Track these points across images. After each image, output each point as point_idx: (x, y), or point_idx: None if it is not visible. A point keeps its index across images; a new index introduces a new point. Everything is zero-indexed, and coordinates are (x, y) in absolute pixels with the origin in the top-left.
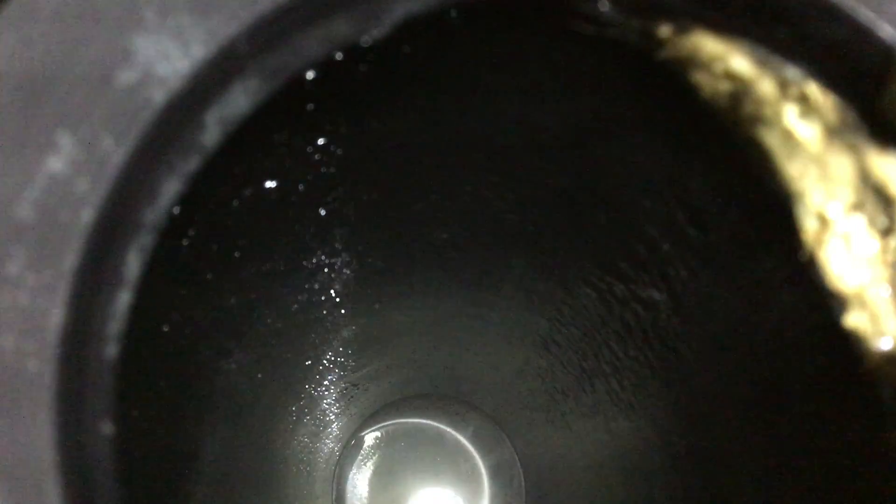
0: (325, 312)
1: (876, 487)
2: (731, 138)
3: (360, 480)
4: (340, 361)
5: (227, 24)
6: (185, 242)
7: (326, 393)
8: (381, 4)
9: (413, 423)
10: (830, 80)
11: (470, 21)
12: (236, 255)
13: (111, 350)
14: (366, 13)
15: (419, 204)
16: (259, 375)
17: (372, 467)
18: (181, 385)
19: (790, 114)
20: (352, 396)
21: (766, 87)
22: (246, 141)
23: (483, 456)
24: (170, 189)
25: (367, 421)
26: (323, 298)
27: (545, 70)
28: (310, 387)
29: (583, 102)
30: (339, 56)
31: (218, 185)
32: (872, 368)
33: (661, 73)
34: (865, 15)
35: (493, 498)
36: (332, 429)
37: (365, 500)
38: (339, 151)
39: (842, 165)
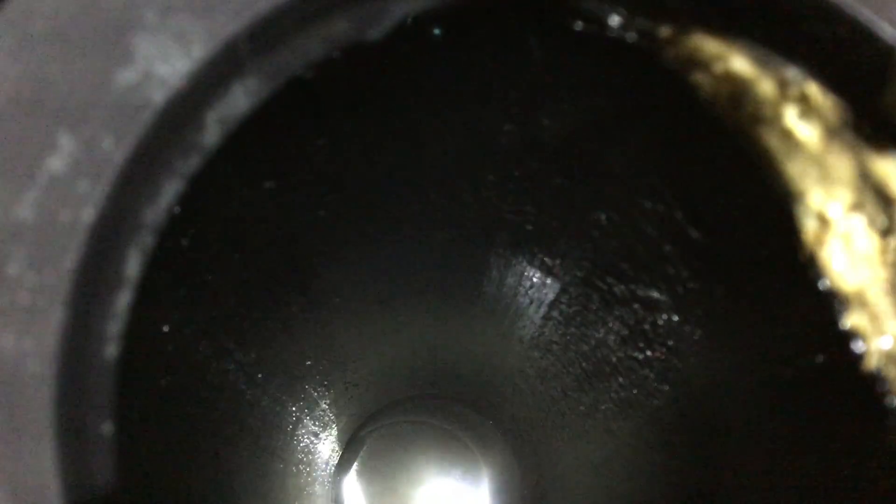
0: (325, 312)
1: (876, 487)
2: (731, 138)
3: (359, 480)
4: (340, 361)
5: (227, 24)
6: (185, 242)
7: (326, 393)
8: (381, 4)
9: (413, 422)
10: (830, 80)
11: (470, 21)
12: (236, 255)
13: (111, 350)
14: (366, 13)
15: (419, 204)
16: (259, 375)
17: (372, 467)
18: (181, 385)
19: (790, 114)
20: (352, 396)
21: (766, 87)
22: (246, 141)
23: (483, 456)
24: (170, 189)
25: (367, 421)
26: (323, 298)
27: (545, 70)
28: (310, 387)
29: (583, 102)
30: (338, 56)
31: (218, 185)
32: (872, 368)
33: (661, 73)
34: (865, 15)
35: (493, 497)
36: (332, 429)
37: (364, 500)
38: (339, 151)
39: (842, 165)
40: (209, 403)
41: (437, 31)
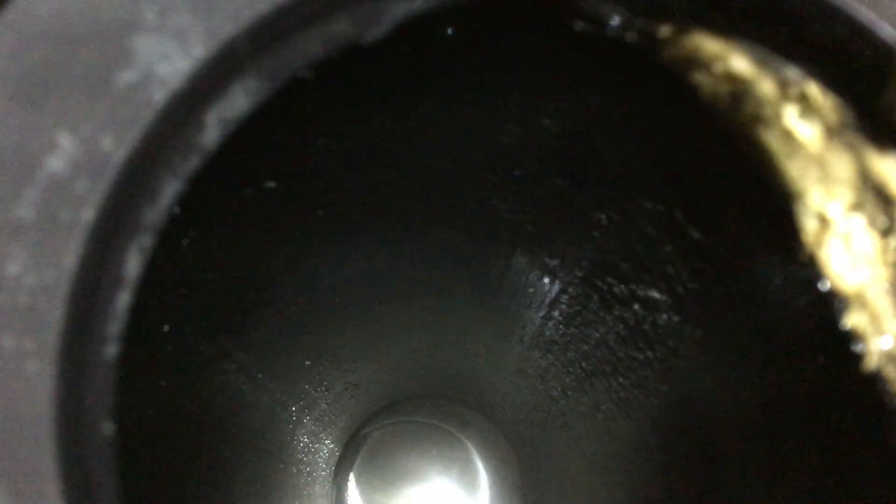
0: (325, 312)
1: (877, 487)
2: (732, 138)
3: (360, 480)
4: (340, 361)
5: (227, 24)
6: (185, 242)
7: (326, 393)
8: (381, 4)
9: (413, 422)
10: (830, 80)
11: (470, 21)
12: (236, 255)
13: (111, 350)
14: (366, 13)
15: (419, 204)
16: (259, 375)
17: (372, 467)
18: (181, 385)
19: (790, 114)
20: (352, 396)
21: (766, 87)
22: (246, 141)
23: (483, 456)
24: (170, 189)
25: (367, 421)
26: (323, 298)
27: (545, 70)
28: (310, 387)
29: (583, 102)
30: (339, 56)
31: (218, 185)
32: (872, 368)
33: (661, 74)
34: (865, 15)
35: (493, 497)
36: (332, 429)
37: (365, 500)
38: (339, 151)
39: (842, 165)
40: (209, 403)
41: (436, 32)
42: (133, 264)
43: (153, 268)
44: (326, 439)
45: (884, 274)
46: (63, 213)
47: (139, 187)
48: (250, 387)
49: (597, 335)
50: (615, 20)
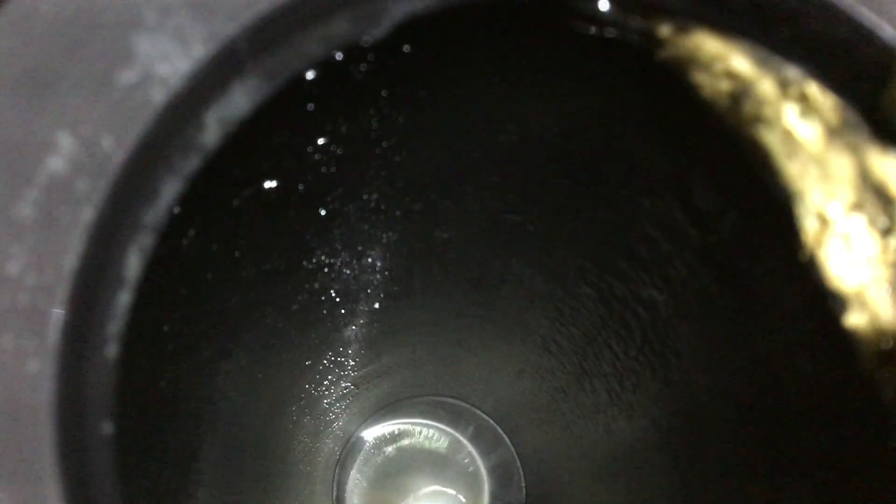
0: (325, 312)
1: (876, 488)
2: (732, 138)
3: (360, 480)
4: (340, 361)
5: (227, 24)
6: (185, 242)
7: (326, 393)
8: (381, 4)
9: (413, 423)
10: (830, 80)
11: (470, 21)
12: (236, 255)
13: (111, 350)
14: (366, 13)
15: (419, 204)
16: (259, 375)
17: (372, 467)
18: (181, 385)
19: (790, 114)
20: (352, 396)
21: (766, 87)
22: (246, 141)
23: (483, 456)
24: (170, 189)
25: (368, 421)
26: (323, 298)
27: (545, 70)
28: (310, 387)
29: (583, 102)
30: (339, 56)
31: (218, 185)
32: (872, 369)
33: (661, 73)
34: (865, 15)
35: (493, 498)
36: (332, 429)
37: (365, 500)
38: (339, 151)
39: (842, 165)
40: (209, 404)
41: (436, 32)
42: (133, 264)
43: (153, 268)
44: (326, 439)
45: (884, 274)
46: (63, 213)
47: (139, 187)
48: (250, 387)
49: (597, 335)
50: (614, 20)
